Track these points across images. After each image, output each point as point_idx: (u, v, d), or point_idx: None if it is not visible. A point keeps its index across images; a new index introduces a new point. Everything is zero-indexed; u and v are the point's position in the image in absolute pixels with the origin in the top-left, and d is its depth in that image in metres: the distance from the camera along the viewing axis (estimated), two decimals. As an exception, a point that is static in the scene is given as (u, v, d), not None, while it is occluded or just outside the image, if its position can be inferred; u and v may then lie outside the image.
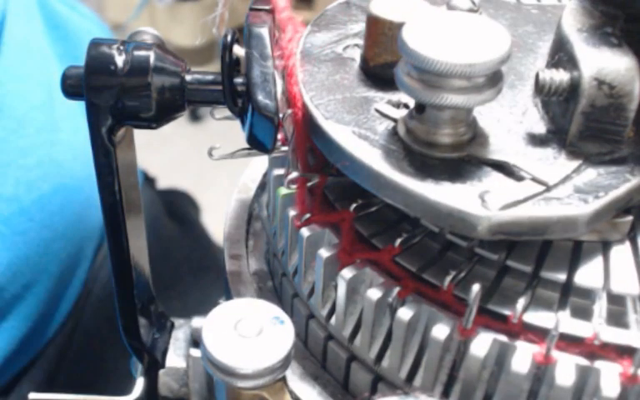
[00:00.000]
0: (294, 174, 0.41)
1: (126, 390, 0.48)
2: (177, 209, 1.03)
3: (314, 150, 0.41)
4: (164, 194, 1.03)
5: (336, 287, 0.39)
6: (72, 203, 0.77)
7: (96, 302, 0.82)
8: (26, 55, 0.74)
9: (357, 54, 0.44)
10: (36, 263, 0.73)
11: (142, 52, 0.39)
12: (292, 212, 0.41)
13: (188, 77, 0.40)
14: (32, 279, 0.73)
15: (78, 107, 0.77)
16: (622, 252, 0.37)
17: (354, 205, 0.40)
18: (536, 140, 0.38)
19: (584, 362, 0.34)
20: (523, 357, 0.34)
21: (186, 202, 1.09)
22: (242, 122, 0.40)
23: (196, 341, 0.47)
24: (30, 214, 0.72)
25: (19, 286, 0.72)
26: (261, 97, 0.37)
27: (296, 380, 0.41)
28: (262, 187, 0.53)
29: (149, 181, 0.99)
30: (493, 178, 0.36)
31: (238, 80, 0.40)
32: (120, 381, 0.49)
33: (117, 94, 0.39)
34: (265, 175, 0.53)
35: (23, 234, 0.71)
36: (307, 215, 0.41)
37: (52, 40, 0.79)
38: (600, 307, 0.35)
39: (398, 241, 0.38)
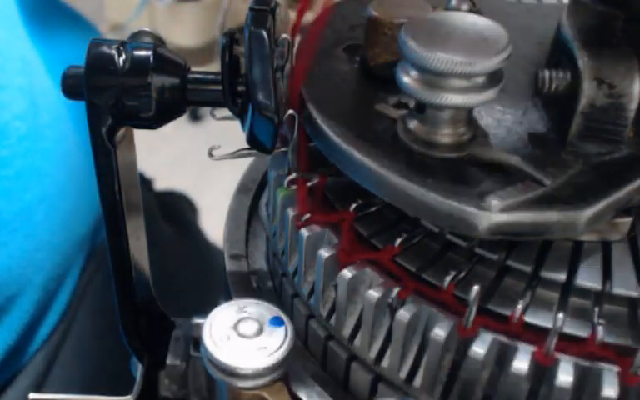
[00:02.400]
0: (294, 174, 0.41)
1: (124, 392, 0.48)
2: (174, 211, 1.02)
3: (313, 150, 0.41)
4: (161, 196, 1.02)
5: (336, 287, 0.39)
6: (57, 212, 0.75)
7: (89, 309, 0.81)
8: (6, 63, 0.72)
9: (357, 54, 0.44)
10: (19, 275, 0.71)
11: (142, 52, 0.39)
12: (292, 212, 0.41)
13: (188, 77, 0.40)
14: (15, 291, 0.71)
15: (64, 115, 0.76)
16: (622, 252, 0.37)
17: (354, 205, 0.40)
18: (536, 140, 0.38)
19: (584, 362, 0.34)
20: (523, 357, 0.34)
21: (183, 204, 1.08)
22: (242, 122, 0.40)
23: (196, 341, 0.47)
24: (11, 225, 0.70)
25: (2, 297, 0.70)
26: (261, 97, 0.37)
27: (296, 380, 0.41)
28: (262, 187, 0.53)
29: (145, 182, 0.98)
30: (493, 178, 0.36)
31: (238, 80, 0.40)
32: (113, 390, 0.48)
33: (117, 94, 0.39)
34: (265, 175, 0.53)
35: (5, 246, 0.70)
36: (307, 215, 0.41)
37: (38, 45, 0.77)
38: (600, 307, 0.35)
39: (398, 241, 0.38)
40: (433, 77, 0.34)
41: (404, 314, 0.36)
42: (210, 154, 0.45)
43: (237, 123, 0.41)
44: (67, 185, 0.77)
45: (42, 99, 0.75)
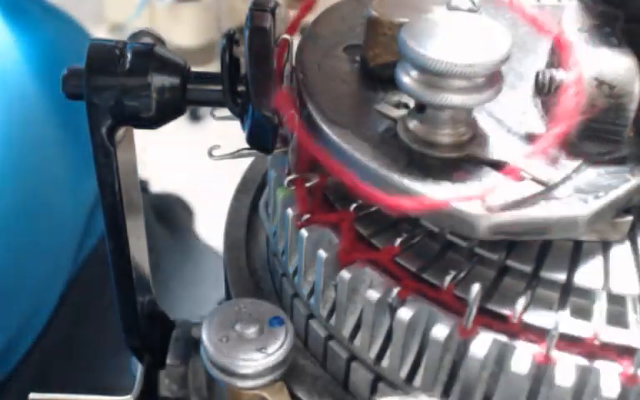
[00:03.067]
0: (294, 175, 0.41)
1: (124, 392, 0.48)
2: (174, 211, 1.01)
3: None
4: (155, 199, 1.01)
5: (336, 287, 0.39)
6: (39, 219, 0.75)
7: (85, 317, 0.80)
8: None
9: (357, 54, 0.44)
10: (1, 283, 0.71)
11: (142, 52, 0.39)
12: (292, 212, 0.41)
13: (188, 77, 0.40)
14: None
15: (45, 121, 0.75)
16: (622, 252, 0.37)
17: (354, 205, 0.40)
18: (536, 140, 0.38)
19: (584, 362, 0.34)
20: (523, 357, 0.34)
21: (183, 204, 1.07)
22: (242, 122, 0.40)
23: (196, 341, 0.47)
24: None
25: None
26: (261, 97, 0.37)
27: (296, 380, 0.41)
28: (262, 187, 0.53)
29: (141, 184, 0.96)
30: (493, 178, 0.36)
31: (238, 80, 0.40)
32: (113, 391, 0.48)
33: (117, 94, 0.39)
34: (265, 175, 0.53)
35: None
36: (307, 215, 0.41)
37: (19, 50, 0.76)
38: (600, 307, 0.35)
39: (398, 241, 0.38)
40: (433, 77, 0.34)
41: (404, 314, 0.36)
42: (210, 154, 0.45)
43: (237, 123, 0.41)
44: (47, 193, 0.76)
45: (20, 106, 0.74)
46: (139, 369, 0.48)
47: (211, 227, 1.02)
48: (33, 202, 0.74)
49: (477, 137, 0.37)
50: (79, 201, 0.79)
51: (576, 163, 0.37)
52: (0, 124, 0.72)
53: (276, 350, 0.37)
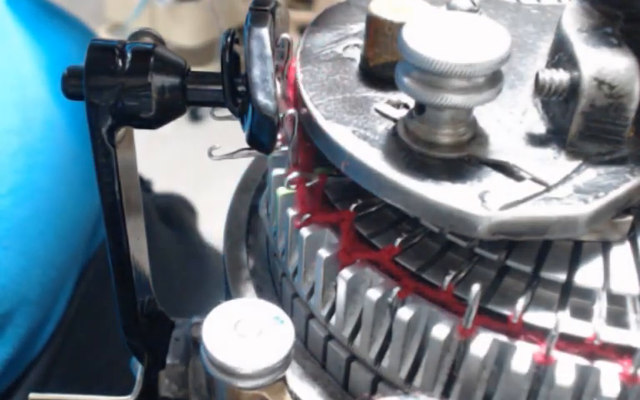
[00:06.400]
0: (294, 174, 0.41)
1: (124, 392, 0.48)
2: (175, 211, 1.01)
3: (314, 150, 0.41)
4: (159, 199, 1.01)
5: (336, 287, 0.39)
6: (52, 227, 0.74)
7: (88, 315, 0.80)
8: None
9: (357, 54, 0.44)
10: (14, 292, 0.71)
11: (142, 52, 0.39)
12: (292, 212, 0.41)
13: (188, 77, 0.40)
14: (10, 308, 0.71)
15: (59, 128, 0.75)
16: (622, 252, 0.37)
17: (354, 205, 0.40)
18: (536, 140, 0.38)
19: (584, 362, 0.34)
20: (523, 357, 0.34)
21: (183, 204, 1.07)
22: (242, 122, 0.40)
23: (196, 341, 0.47)
24: (5, 242, 0.69)
25: None
26: (261, 97, 0.37)
27: (296, 380, 0.41)
28: (262, 186, 0.53)
29: (143, 184, 0.97)
30: (493, 178, 0.36)
31: (238, 80, 0.40)
32: (113, 391, 0.48)
33: (117, 94, 0.39)
34: (265, 175, 0.53)
35: None
36: (307, 215, 0.41)
37: (32, 55, 0.76)
38: (600, 307, 0.35)
39: (398, 241, 0.38)
40: (433, 78, 0.34)
41: (404, 314, 0.36)
42: (210, 154, 0.45)
43: (237, 123, 0.41)
44: (61, 198, 0.75)
45: (36, 112, 0.74)
46: (139, 369, 0.48)
47: (211, 227, 1.03)
48: (47, 208, 0.74)
49: (477, 137, 0.38)
50: (89, 206, 0.79)
51: (576, 163, 0.37)
52: (16, 129, 0.72)
53: (276, 350, 0.37)
